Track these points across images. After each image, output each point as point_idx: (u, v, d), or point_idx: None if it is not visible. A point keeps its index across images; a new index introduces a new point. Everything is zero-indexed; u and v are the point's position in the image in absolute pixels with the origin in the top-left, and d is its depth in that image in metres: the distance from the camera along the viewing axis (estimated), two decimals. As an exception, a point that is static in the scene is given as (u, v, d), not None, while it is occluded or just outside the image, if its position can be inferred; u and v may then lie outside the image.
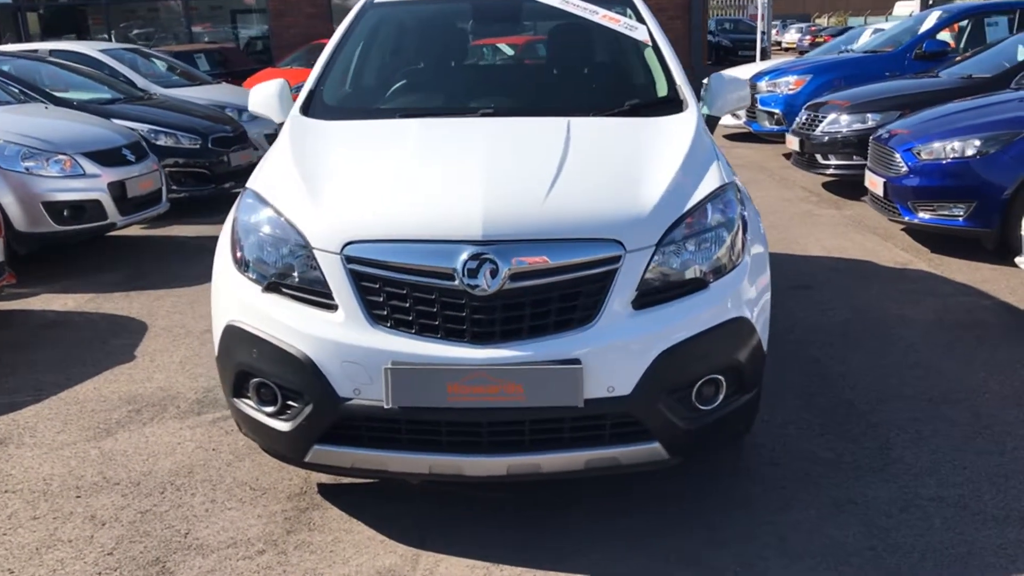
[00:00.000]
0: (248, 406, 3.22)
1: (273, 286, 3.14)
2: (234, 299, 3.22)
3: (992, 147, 6.48)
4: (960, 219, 6.61)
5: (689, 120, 3.81)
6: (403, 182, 3.26)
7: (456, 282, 2.91)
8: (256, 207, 3.32)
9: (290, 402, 3.10)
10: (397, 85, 4.48)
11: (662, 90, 4.18)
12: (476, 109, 3.97)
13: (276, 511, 3.39)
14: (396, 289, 2.97)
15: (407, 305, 2.96)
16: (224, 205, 9.96)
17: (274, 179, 3.44)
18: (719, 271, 3.16)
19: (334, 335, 2.98)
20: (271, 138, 11.77)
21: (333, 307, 3.02)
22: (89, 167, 7.02)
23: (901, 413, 4.11)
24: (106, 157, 7.22)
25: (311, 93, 4.17)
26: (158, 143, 9.01)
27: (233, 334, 3.19)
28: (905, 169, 6.88)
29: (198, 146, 9.36)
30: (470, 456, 3.01)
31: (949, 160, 6.66)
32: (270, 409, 3.15)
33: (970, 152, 6.57)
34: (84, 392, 4.58)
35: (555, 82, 4.53)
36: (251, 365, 3.14)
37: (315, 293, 3.06)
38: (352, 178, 3.37)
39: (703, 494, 3.46)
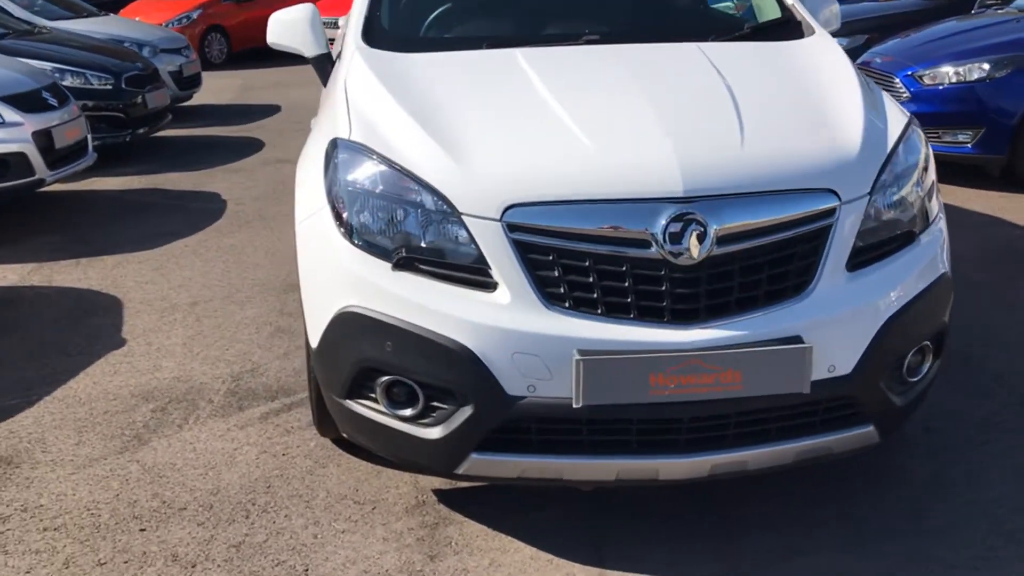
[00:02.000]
0: (371, 409, 2.62)
1: (405, 262, 2.52)
2: (349, 278, 2.58)
3: (1001, 71, 6.28)
4: (968, 146, 6.41)
5: (830, 45, 3.32)
6: (562, 128, 2.64)
7: (653, 249, 2.38)
8: (361, 162, 2.65)
9: (436, 403, 2.52)
10: (464, 7, 3.79)
11: (772, 11, 3.66)
12: (577, 36, 3.34)
13: (401, 530, 2.80)
14: (575, 261, 2.41)
15: (590, 280, 2.41)
16: (142, 153, 9.08)
17: (377, 126, 2.76)
18: (921, 220, 2.74)
19: (500, 321, 2.41)
20: (175, 76, 10.66)
21: (492, 286, 2.44)
22: (8, 114, 5.94)
23: (1019, 363, 3.83)
24: (26, 102, 6.13)
25: (367, 19, 3.44)
26: (64, 84, 7.86)
27: (353, 322, 2.55)
28: (907, 95, 6.61)
29: (111, 87, 8.24)
30: (667, 457, 2.51)
31: (954, 84, 6.43)
32: (407, 412, 2.56)
33: (977, 76, 6.36)
34: (83, 389, 3.79)
35: (646, 2, 3.92)
36: (381, 360, 2.53)
37: (467, 270, 2.47)
38: (492, 124, 2.73)
39: (875, 471, 3.07)
